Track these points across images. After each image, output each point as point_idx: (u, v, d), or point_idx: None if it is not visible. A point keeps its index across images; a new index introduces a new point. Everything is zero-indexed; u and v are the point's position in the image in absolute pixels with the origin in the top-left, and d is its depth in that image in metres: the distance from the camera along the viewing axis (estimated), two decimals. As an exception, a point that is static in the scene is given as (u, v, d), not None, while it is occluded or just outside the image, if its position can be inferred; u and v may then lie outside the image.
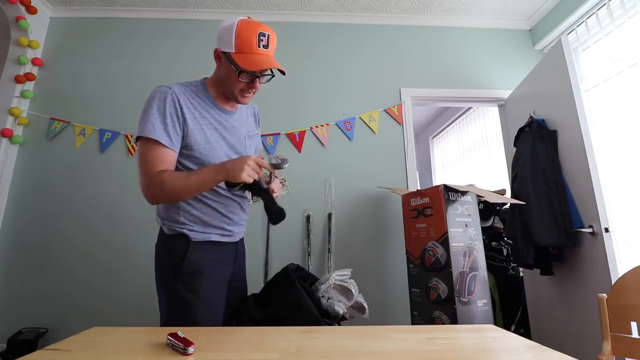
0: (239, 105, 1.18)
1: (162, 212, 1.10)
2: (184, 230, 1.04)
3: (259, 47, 0.98)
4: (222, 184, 1.00)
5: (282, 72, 1.03)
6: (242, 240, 1.26)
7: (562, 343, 1.91)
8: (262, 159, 0.99)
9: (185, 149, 1.02)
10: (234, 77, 1.02)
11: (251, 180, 0.94)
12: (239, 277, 1.25)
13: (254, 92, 1.08)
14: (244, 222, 1.22)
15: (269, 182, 1.07)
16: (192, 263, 1.04)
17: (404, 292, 2.04)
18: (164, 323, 1.04)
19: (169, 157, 0.99)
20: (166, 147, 0.97)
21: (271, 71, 1.07)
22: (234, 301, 1.22)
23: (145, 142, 0.97)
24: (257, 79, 1.04)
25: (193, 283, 1.02)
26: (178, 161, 1.03)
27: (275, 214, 1.01)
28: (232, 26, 0.98)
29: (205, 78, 1.15)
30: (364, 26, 2.76)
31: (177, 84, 1.05)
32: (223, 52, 1.02)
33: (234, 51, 0.98)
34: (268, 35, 1.00)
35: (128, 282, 2.22)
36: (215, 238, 1.09)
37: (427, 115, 4.67)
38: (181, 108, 1.00)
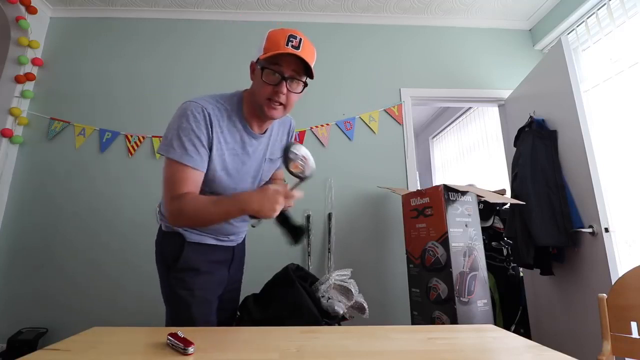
0: (272, 124, 1.10)
1: (162, 210, 1.09)
2: (180, 230, 1.05)
3: (287, 45, 0.89)
4: None
5: (310, 74, 0.94)
6: (240, 244, 1.25)
7: (562, 343, 1.91)
8: (284, 181, 0.95)
9: None
10: (260, 80, 0.93)
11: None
12: (234, 280, 1.24)
13: (282, 104, 0.96)
14: (244, 230, 1.22)
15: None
16: (186, 261, 1.04)
17: (404, 292, 2.04)
18: (167, 319, 1.07)
19: (194, 177, 0.93)
20: (193, 168, 0.92)
21: (305, 80, 0.97)
22: (228, 304, 1.22)
23: (172, 162, 0.92)
24: (284, 82, 0.92)
25: (187, 280, 1.03)
26: None
27: (298, 235, 1.05)
28: (265, 34, 0.93)
29: (246, 90, 1.06)
30: (364, 26, 2.76)
31: (210, 101, 0.97)
32: (255, 62, 0.96)
33: (262, 53, 0.91)
34: (300, 38, 0.91)
35: (128, 282, 2.22)
36: (211, 242, 1.10)
37: (427, 115, 4.67)
38: (211, 128, 0.94)
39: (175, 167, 0.91)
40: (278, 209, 0.86)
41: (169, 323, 1.05)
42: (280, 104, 0.96)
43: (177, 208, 0.90)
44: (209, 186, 1.00)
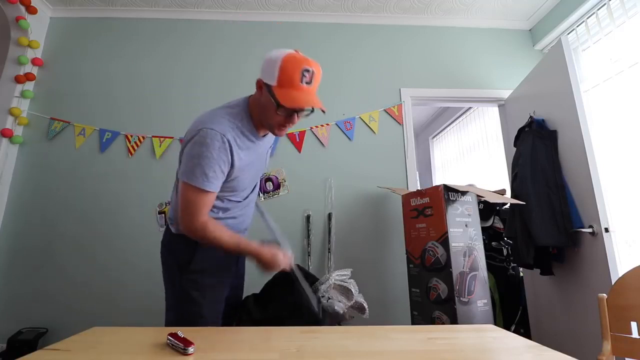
0: None
1: (172, 213, 1.14)
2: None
3: (302, 82, 0.94)
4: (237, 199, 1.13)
5: (322, 111, 1.01)
6: None
7: (562, 343, 1.91)
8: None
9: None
10: (272, 110, 0.99)
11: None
12: (239, 275, 1.30)
13: (290, 125, 1.06)
14: (249, 224, 1.28)
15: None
16: (198, 263, 1.08)
17: (404, 292, 2.04)
18: (170, 315, 1.11)
19: (212, 200, 1.03)
20: (212, 193, 1.00)
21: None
22: (233, 299, 1.26)
23: (194, 189, 0.98)
24: (295, 114, 1.02)
25: (198, 282, 1.08)
26: None
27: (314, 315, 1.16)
28: (278, 59, 0.94)
29: (249, 97, 1.10)
30: (364, 26, 2.76)
31: (226, 125, 1.00)
32: (265, 84, 0.99)
33: (275, 84, 0.95)
34: (313, 71, 0.96)
35: (128, 282, 2.22)
36: None
37: (427, 115, 4.67)
38: (232, 155, 1.00)
39: (197, 192, 0.98)
40: (276, 269, 1.05)
41: (175, 324, 1.07)
42: (289, 126, 1.06)
43: (201, 230, 1.00)
44: (226, 188, 1.07)
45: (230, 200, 1.11)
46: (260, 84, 1.00)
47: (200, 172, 0.96)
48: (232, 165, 1.01)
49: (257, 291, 1.42)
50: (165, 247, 1.15)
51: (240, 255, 1.24)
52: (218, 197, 1.06)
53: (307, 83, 0.95)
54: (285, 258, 1.05)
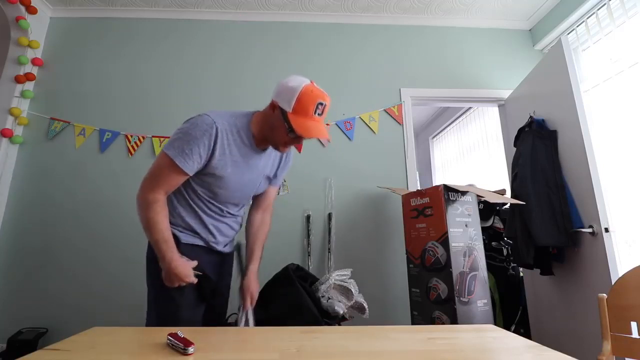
0: None
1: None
2: (175, 231, 1.10)
3: (314, 114, 1.03)
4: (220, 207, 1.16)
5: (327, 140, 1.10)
6: (230, 253, 1.30)
7: (562, 343, 1.91)
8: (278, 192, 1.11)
9: (200, 172, 1.08)
10: (282, 132, 1.06)
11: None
12: (221, 286, 1.28)
13: (294, 145, 1.16)
14: (232, 237, 1.27)
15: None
16: None
17: (404, 292, 2.04)
18: (151, 315, 1.12)
19: (177, 179, 1.05)
20: (180, 169, 1.02)
21: None
22: (214, 310, 1.25)
23: (167, 158, 1.02)
24: (302, 138, 1.10)
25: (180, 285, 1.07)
26: (191, 178, 1.08)
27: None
28: (296, 89, 1.02)
29: (254, 112, 1.17)
30: (364, 26, 2.76)
31: (224, 116, 1.08)
32: (280, 107, 1.05)
33: (290, 111, 1.03)
34: (325, 104, 1.05)
35: (128, 282, 2.22)
36: (201, 244, 1.16)
37: (427, 115, 4.67)
38: (215, 144, 1.04)
39: (168, 163, 1.02)
40: (173, 284, 1.05)
41: (152, 323, 1.09)
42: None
43: (149, 202, 1.02)
44: (211, 188, 1.10)
45: (210, 202, 1.13)
46: (274, 105, 1.07)
47: (178, 145, 1.01)
48: (212, 153, 1.04)
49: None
50: (149, 245, 1.15)
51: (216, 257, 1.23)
52: (201, 191, 1.10)
53: (318, 114, 1.05)
54: (185, 277, 1.04)
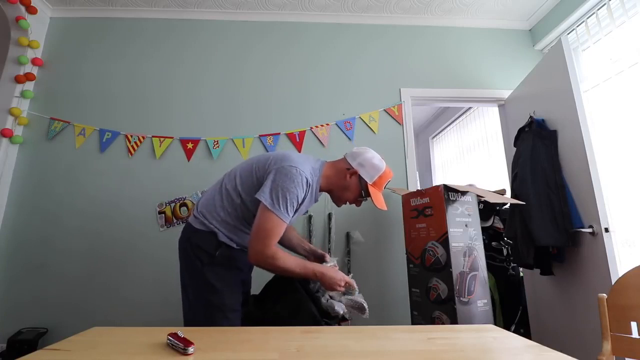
0: None
1: (202, 208, 1.27)
2: (215, 230, 1.22)
3: (383, 188, 1.33)
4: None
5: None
6: None
7: (562, 343, 1.91)
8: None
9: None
10: (355, 195, 1.32)
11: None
12: (247, 283, 1.42)
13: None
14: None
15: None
16: (222, 255, 1.21)
17: (404, 292, 2.04)
18: (189, 314, 1.20)
19: (283, 231, 1.18)
20: (285, 225, 1.16)
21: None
22: (245, 294, 1.37)
23: (277, 220, 1.13)
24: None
25: (222, 273, 1.21)
26: (248, 202, 1.22)
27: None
28: (380, 168, 1.30)
29: (325, 162, 1.35)
30: (364, 26, 2.76)
31: (312, 173, 1.23)
32: (359, 175, 1.29)
33: (370, 183, 1.29)
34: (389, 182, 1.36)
35: (128, 282, 2.22)
36: (235, 246, 1.26)
37: (427, 115, 4.67)
38: (305, 197, 1.19)
39: (277, 222, 1.14)
40: (336, 289, 1.23)
41: (201, 317, 1.16)
42: None
43: (271, 257, 1.13)
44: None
45: (250, 225, 1.21)
46: (354, 173, 1.29)
47: (284, 205, 1.13)
48: (300, 205, 1.19)
49: (257, 291, 1.42)
50: (188, 241, 1.24)
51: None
52: (243, 212, 1.23)
53: (385, 187, 1.35)
54: (341, 279, 1.22)
